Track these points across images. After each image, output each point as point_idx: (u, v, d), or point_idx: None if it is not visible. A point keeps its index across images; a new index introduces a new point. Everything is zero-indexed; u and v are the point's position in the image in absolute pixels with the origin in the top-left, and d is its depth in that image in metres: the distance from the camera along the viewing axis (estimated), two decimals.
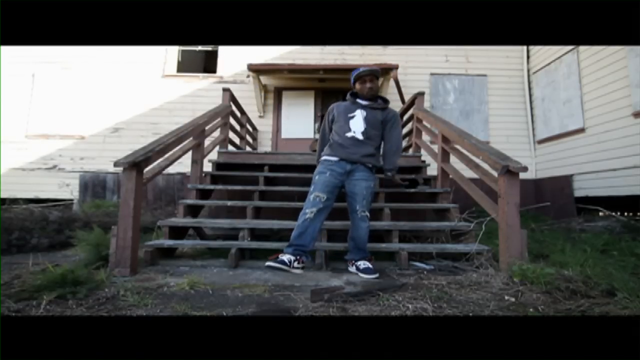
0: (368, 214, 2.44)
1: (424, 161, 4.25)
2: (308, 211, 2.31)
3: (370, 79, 2.51)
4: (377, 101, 2.58)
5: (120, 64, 6.63)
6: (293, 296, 1.88)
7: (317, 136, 2.81)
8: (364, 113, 2.51)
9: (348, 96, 2.64)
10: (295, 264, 2.25)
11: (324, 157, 2.52)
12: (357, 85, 2.56)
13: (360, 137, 2.46)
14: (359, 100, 2.57)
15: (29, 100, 6.48)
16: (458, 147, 3.47)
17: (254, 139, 6.24)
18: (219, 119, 4.16)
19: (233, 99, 4.58)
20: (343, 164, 2.44)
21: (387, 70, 5.97)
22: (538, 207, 5.37)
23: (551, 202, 5.33)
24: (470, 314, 1.58)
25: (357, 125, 2.48)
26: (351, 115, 2.52)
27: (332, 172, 2.41)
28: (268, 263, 2.16)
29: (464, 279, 2.09)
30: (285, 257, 2.22)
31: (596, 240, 3.25)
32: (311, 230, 2.30)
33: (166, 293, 1.91)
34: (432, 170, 4.03)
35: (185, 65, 7.22)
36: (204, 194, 3.64)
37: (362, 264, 2.36)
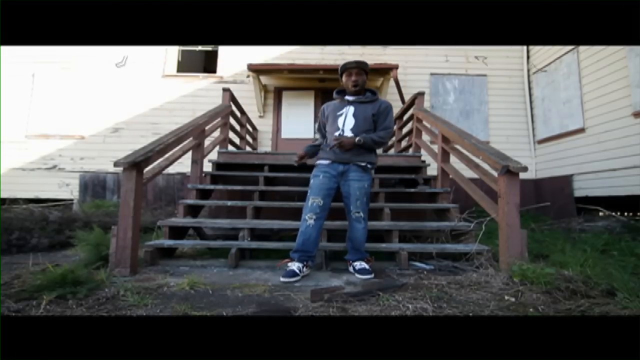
0: (363, 215, 2.39)
1: (424, 161, 4.25)
2: (308, 217, 2.33)
3: (356, 72, 2.41)
4: (365, 95, 2.49)
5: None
6: (293, 296, 1.88)
7: (317, 136, 2.72)
8: (352, 109, 2.43)
9: (335, 94, 2.56)
10: (304, 270, 2.31)
11: (317, 161, 2.50)
12: (343, 78, 2.47)
13: (349, 134, 2.39)
14: (346, 97, 2.49)
15: (29, 100, 6.48)
16: (458, 147, 3.47)
17: (254, 139, 6.24)
18: (219, 119, 4.16)
19: (233, 99, 4.58)
20: (335, 166, 2.40)
21: (387, 70, 5.97)
22: (538, 207, 5.37)
23: (551, 202, 5.33)
24: (470, 314, 1.58)
25: (346, 123, 2.41)
26: (340, 113, 2.45)
27: (325, 175, 2.39)
28: (282, 279, 2.19)
29: (464, 279, 2.08)
30: (295, 266, 2.27)
31: (596, 240, 3.25)
32: (314, 236, 2.33)
33: (166, 293, 1.91)
34: (432, 170, 4.03)
35: (185, 65, 7.22)
36: (204, 194, 3.64)
37: (359, 264, 2.37)
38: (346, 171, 2.40)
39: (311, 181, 2.44)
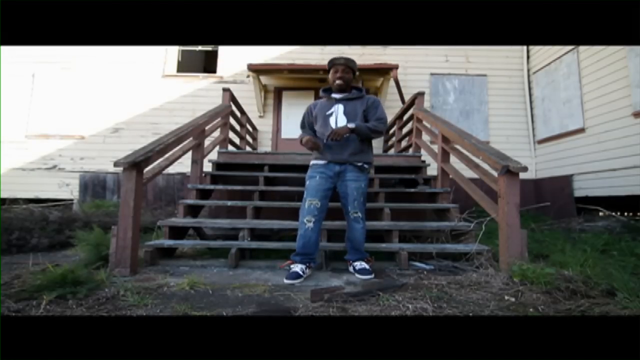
0: (361, 215, 2.38)
1: (424, 161, 4.25)
2: (306, 219, 2.31)
3: (343, 68, 2.39)
4: (351, 92, 2.47)
5: (121, 64, 6.63)
6: (293, 296, 1.88)
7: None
8: (342, 107, 2.40)
9: (321, 93, 2.54)
10: (307, 271, 2.30)
11: (312, 162, 2.48)
12: (330, 73, 2.44)
13: None
14: (333, 95, 2.46)
15: (29, 100, 6.49)
16: (458, 147, 3.47)
17: (254, 139, 6.24)
18: (219, 119, 4.16)
19: (233, 99, 4.58)
20: (331, 166, 2.38)
21: (387, 70, 5.98)
22: (538, 207, 5.37)
23: (551, 202, 5.33)
24: (470, 314, 1.58)
25: (338, 121, 2.38)
26: (329, 112, 2.42)
27: (321, 175, 2.37)
28: (286, 281, 2.17)
29: (464, 279, 2.08)
30: (298, 268, 2.25)
31: (596, 240, 3.25)
32: (314, 238, 2.32)
33: (166, 293, 1.91)
34: (432, 170, 4.03)
35: (185, 65, 7.22)
36: (204, 194, 3.64)
37: (359, 264, 2.37)
38: (343, 171, 2.39)
39: (307, 182, 2.42)
